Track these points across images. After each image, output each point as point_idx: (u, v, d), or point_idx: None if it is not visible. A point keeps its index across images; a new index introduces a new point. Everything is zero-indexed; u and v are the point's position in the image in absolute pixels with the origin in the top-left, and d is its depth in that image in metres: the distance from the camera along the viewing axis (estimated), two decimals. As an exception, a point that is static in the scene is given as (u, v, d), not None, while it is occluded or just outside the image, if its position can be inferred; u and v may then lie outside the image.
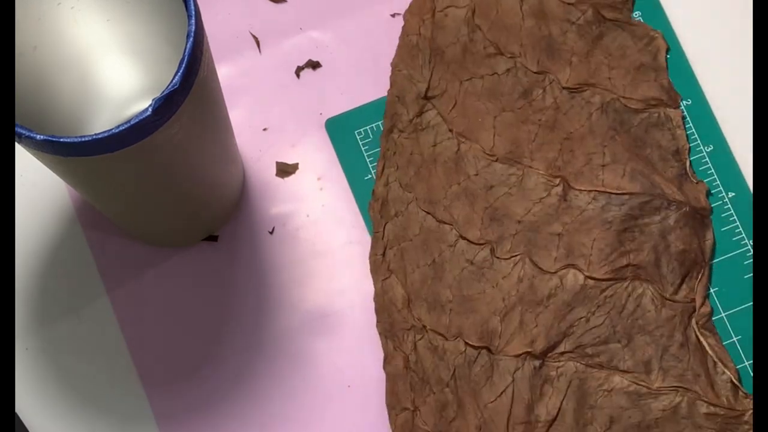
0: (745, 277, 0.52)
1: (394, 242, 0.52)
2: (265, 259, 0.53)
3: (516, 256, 0.51)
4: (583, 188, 0.52)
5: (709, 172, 0.54)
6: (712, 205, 0.53)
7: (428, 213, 0.52)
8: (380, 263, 0.51)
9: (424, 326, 0.51)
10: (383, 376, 0.51)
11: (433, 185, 0.52)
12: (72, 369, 0.52)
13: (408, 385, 0.50)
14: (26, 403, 0.51)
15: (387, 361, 0.50)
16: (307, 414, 0.51)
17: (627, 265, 0.51)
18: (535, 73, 0.53)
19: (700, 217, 0.52)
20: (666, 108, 0.53)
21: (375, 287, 0.51)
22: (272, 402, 0.51)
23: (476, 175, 0.52)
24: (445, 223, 0.52)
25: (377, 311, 0.51)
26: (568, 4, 0.54)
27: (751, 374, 0.51)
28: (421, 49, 0.53)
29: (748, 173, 0.54)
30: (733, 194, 0.53)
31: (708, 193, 0.53)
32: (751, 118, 0.54)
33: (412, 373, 0.50)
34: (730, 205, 0.53)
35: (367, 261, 0.53)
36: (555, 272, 0.51)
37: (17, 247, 0.53)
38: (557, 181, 0.52)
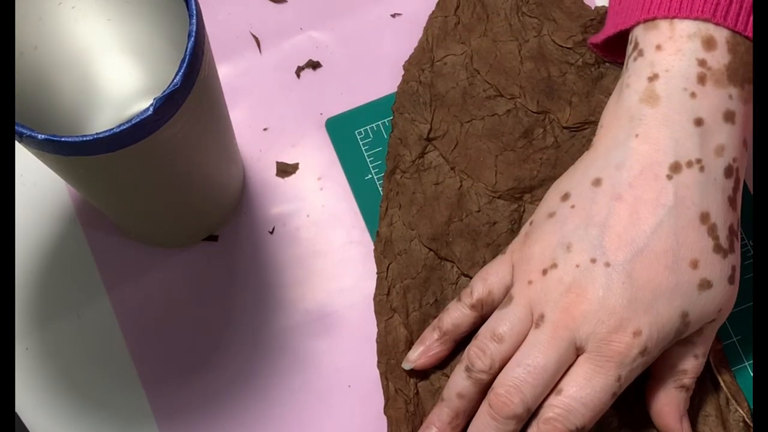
0: (745, 277, 0.52)
1: (398, 280, 0.51)
2: (265, 259, 0.53)
3: None
4: None
5: (709, 172, 0.54)
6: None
7: (431, 250, 0.52)
8: (384, 303, 0.51)
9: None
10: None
11: (435, 222, 0.52)
12: (72, 369, 0.52)
13: (410, 429, 0.49)
14: (26, 403, 0.51)
15: (388, 405, 0.50)
16: (307, 414, 0.51)
17: None
18: (535, 113, 0.53)
19: None
20: None
21: (378, 327, 0.51)
22: (272, 402, 0.51)
23: (478, 211, 0.52)
24: (447, 260, 0.52)
25: (379, 352, 0.51)
26: (567, 47, 0.54)
27: (751, 374, 0.51)
28: (421, 94, 0.54)
29: (748, 174, 0.54)
30: (733, 194, 0.53)
31: None
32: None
33: (413, 417, 0.50)
34: (730, 205, 0.53)
35: (366, 260, 0.53)
36: None
37: (17, 247, 0.53)
38: None
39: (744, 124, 0.46)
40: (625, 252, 0.45)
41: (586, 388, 0.44)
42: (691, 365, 0.47)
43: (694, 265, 0.45)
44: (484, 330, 0.47)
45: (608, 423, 0.49)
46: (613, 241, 0.45)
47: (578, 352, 0.45)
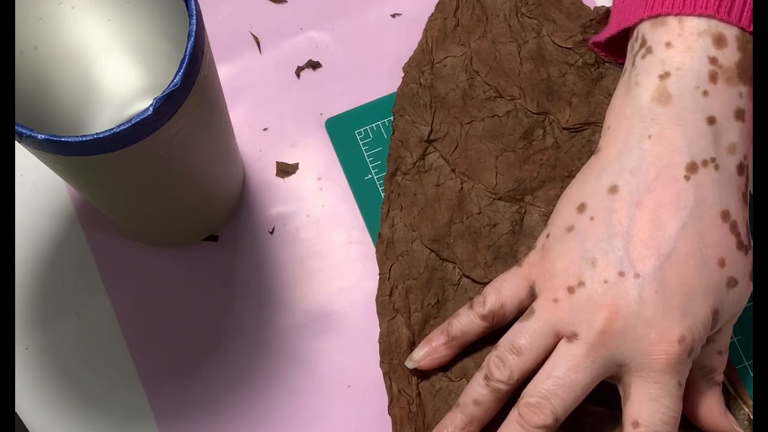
0: (745, 277, 0.52)
1: (400, 280, 0.51)
2: (265, 259, 0.53)
3: None
4: None
5: (708, 172, 0.54)
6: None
7: (432, 251, 0.52)
8: (387, 303, 0.51)
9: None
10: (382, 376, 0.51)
11: (436, 223, 0.52)
12: (72, 369, 0.52)
13: (413, 429, 0.49)
14: (26, 403, 0.51)
15: (392, 404, 0.50)
16: (307, 414, 0.51)
17: None
18: (535, 114, 0.53)
19: None
20: None
21: (381, 327, 0.51)
22: (272, 402, 0.51)
23: (479, 213, 0.52)
24: (449, 261, 0.52)
25: (382, 352, 0.51)
26: (567, 48, 0.54)
27: (751, 374, 0.51)
28: (421, 96, 0.54)
29: (748, 173, 0.54)
30: (733, 194, 0.53)
31: None
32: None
33: (416, 417, 0.50)
34: (729, 206, 0.53)
35: (366, 260, 0.53)
36: None
37: (17, 247, 0.53)
38: None
39: (752, 121, 0.46)
40: (653, 260, 0.44)
41: (659, 410, 0.44)
42: (717, 362, 0.47)
43: (722, 263, 0.44)
44: (504, 341, 0.47)
45: None
46: (638, 250, 0.44)
47: (619, 367, 0.45)
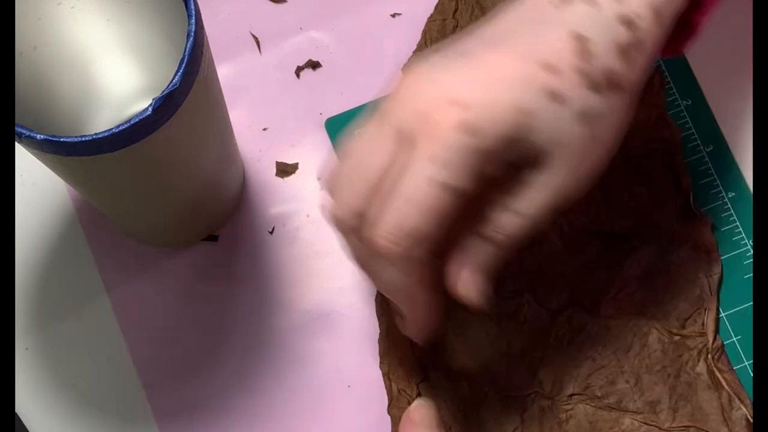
0: (745, 277, 0.52)
1: None
2: (265, 259, 0.53)
3: (521, 296, 0.51)
4: (584, 229, 0.52)
5: (708, 172, 0.54)
6: (712, 206, 0.53)
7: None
8: (386, 303, 0.51)
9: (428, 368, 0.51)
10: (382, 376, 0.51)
11: None
12: (72, 369, 0.52)
13: None
14: (26, 403, 0.51)
15: (392, 405, 0.50)
16: (307, 414, 0.51)
17: (631, 303, 0.51)
18: None
19: (705, 253, 0.52)
20: (664, 142, 0.53)
21: (380, 328, 0.51)
22: (272, 402, 0.51)
23: None
24: None
25: (381, 353, 0.51)
26: None
27: (751, 374, 0.51)
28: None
29: (748, 173, 0.54)
30: (733, 194, 0.53)
31: (713, 228, 0.52)
32: (751, 118, 0.54)
33: None
34: (730, 205, 0.53)
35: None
36: (560, 312, 0.51)
37: (17, 247, 0.53)
38: (560, 222, 0.51)
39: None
40: (479, 44, 0.41)
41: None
42: (506, 221, 0.42)
43: (549, 68, 0.40)
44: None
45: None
46: (472, 45, 0.41)
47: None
